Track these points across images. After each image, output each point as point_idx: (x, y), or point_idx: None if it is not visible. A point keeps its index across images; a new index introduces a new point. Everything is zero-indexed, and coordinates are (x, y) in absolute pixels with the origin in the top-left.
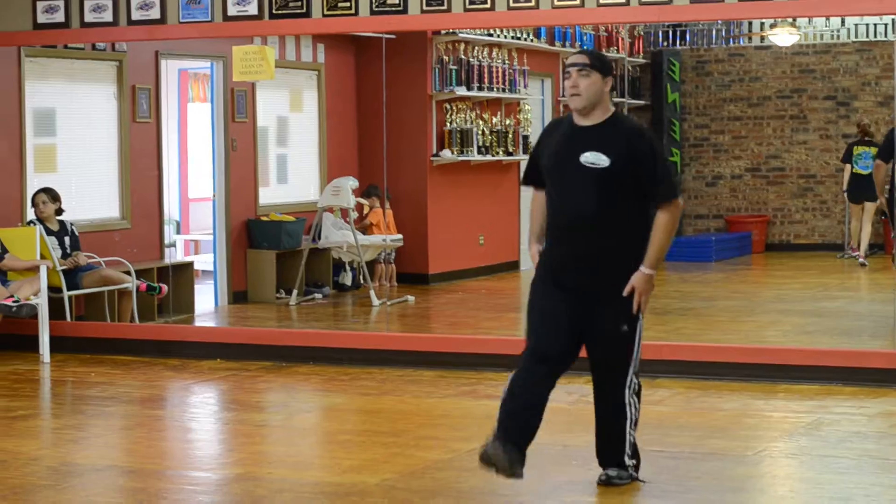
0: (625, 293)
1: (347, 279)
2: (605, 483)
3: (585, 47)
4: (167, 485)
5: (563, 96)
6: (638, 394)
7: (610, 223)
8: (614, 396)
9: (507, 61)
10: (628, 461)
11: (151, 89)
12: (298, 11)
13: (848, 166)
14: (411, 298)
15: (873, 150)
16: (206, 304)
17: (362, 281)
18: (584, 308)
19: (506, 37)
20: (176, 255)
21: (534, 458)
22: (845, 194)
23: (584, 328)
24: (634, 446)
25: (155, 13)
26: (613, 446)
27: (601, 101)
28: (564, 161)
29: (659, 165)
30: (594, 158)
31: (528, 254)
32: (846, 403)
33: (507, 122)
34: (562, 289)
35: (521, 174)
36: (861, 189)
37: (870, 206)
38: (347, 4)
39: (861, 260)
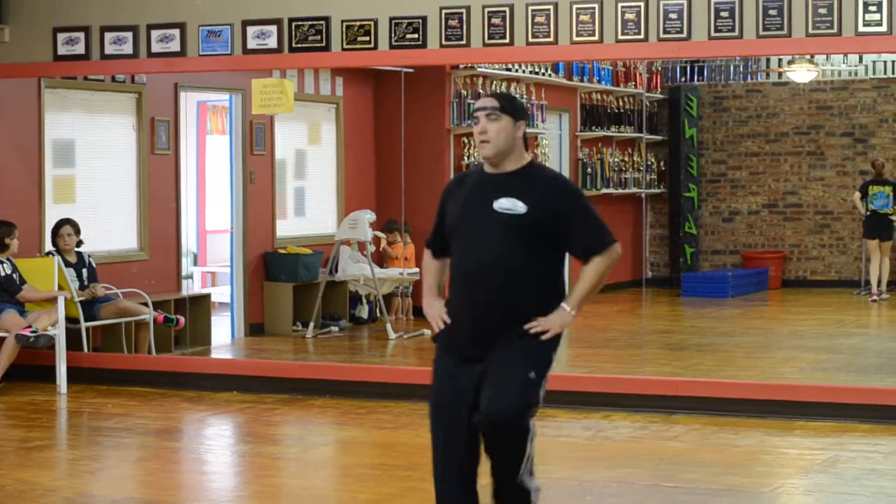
0: (533, 330)
1: (364, 312)
2: None
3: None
4: None
5: (581, 131)
6: (531, 473)
7: (519, 279)
8: (505, 476)
9: (524, 96)
10: None
11: (170, 121)
12: (318, 45)
13: (857, 196)
14: (427, 332)
15: (888, 189)
16: (223, 336)
17: (379, 314)
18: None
19: (524, 71)
20: (193, 287)
21: (550, 493)
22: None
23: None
24: None
25: (175, 46)
26: None
27: (513, 148)
28: (474, 209)
29: (589, 214)
30: (510, 204)
31: (428, 315)
32: (862, 441)
33: None
34: (462, 361)
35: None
36: (877, 227)
37: (886, 245)
38: (367, 38)
39: (874, 298)
